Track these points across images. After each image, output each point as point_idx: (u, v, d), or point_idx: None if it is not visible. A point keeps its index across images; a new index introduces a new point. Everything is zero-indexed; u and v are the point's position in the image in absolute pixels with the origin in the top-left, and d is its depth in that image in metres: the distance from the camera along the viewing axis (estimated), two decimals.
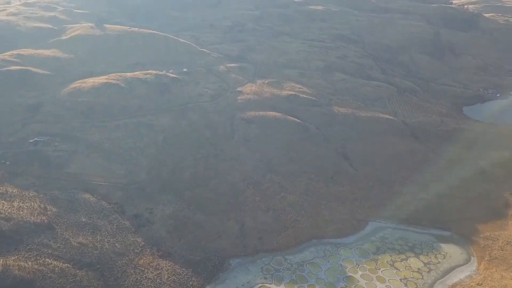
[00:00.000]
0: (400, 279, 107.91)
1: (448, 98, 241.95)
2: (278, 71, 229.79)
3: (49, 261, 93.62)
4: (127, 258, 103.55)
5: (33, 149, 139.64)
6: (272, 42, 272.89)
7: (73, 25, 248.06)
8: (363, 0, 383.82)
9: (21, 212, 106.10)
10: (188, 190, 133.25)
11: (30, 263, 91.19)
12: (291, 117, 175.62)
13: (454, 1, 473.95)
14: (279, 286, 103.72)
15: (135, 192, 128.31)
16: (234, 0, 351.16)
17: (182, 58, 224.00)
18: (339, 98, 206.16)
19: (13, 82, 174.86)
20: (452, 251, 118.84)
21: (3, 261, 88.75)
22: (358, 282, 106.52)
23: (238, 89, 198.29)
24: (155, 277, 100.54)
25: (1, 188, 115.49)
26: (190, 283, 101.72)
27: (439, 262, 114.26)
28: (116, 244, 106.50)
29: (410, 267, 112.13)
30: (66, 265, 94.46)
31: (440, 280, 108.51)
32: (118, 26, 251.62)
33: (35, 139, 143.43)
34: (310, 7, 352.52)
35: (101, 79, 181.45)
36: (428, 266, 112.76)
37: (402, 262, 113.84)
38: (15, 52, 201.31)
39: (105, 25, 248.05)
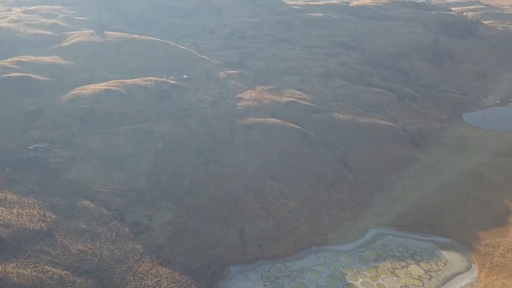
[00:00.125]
0: (401, 287, 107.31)
1: (448, 105, 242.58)
2: (278, 77, 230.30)
3: (48, 268, 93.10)
4: (126, 265, 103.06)
5: (33, 155, 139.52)
6: (272, 49, 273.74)
7: (73, 32, 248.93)
8: (362, 7, 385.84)
9: (20, 219, 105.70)
10: (188, 197, 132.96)
11: (29, 270, 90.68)
12: (291, 124, 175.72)
13: (453, 9, 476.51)
14: None
15: (134, 199, 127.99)
16: (234, 7, 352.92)
17: (182, 64, 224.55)
18: (339, 105, 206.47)
19: (13, 88, 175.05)
20: (453, 258, 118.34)
21: (1, 268, 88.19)
22: None
23: (238, 95, 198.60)
24: (155, 284, 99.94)
25: (1, 194, 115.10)
26: None
27: (439, 270, 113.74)
28: (116, 251, 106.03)
29: (411, 274, 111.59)
30: (65, 272, 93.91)
31: (441, 287, 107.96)
32: (118, 33, 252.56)
33: (35, 145, 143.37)
34: (310, 14, 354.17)
35: (101, 86, 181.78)
36: (429, 273, 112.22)
37: (403, 269, 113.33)
38: (15, 59, 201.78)
39: (105, 32, 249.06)
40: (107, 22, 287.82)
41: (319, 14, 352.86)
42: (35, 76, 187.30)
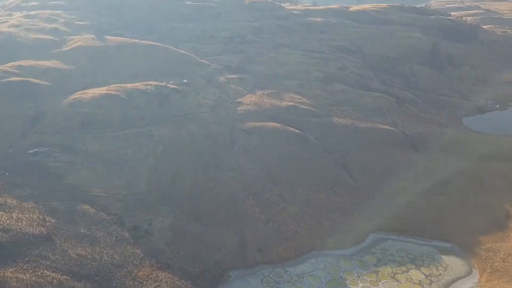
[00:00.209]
0: None
1: (448, 109, 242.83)
2: (278, 82, 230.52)
3: (47, 273, 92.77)
4: (126, 270, 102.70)
5: (33, 160, 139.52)
6: (271, 54, 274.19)
7: (74, 37, 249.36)
8: (362, 12, 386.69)
9: (20, 224, 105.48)
10: (188, 201, 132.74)
11: (28, 275, 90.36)
12: (291, 128, 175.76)
13: (452, 13, 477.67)
14: None
15: (134, 203, 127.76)
16: (234, 12, 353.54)
17: (182, 69, 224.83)
18: (339, 109, 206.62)
19: (13, 93, 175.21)
20: (454, 263, 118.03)
21: (1, 273, 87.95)
22: None
23: (238, 100, 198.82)
24: None
25: (0, 199, 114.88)
26: None
27: (440, 274, 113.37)
28: (115, 256, 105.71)
29: (412, 279, 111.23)
30: (64, 277, 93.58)
31: None
32: (119, 37, 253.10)
33: (35, 150, 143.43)
34: (309, 19, 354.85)
35: (101, 90, 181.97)
36: (429, 278, 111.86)
37: (403, 274, 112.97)
38: (16, 63, 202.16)
39: (105, 36, 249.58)
40: (107, 26, 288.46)
41: (319, 19, 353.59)
42: (35, 81, 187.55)
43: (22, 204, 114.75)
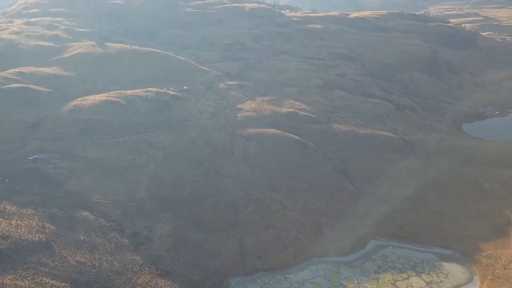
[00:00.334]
0: None
1: (447, 116, 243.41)
2: (278, 89, 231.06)
3: (46, 280, 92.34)
4: (125, 277, 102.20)
5: (33, 166, 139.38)
6: (271, 61, 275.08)
7: (74, 44, 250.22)
8: (361, 19, 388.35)
9: (19, 230, 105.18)
10: (187, 208, 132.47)
11: (27, 282, 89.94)
12: (291, 134, 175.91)
13: (451, 20, 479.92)
14: None
15: (134, 210, 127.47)
16: (234, 19, 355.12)
17: (182, 75, 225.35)
18: (338, 116, 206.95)
19: (14, 99, 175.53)
20: (454, 270, 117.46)
21: (0, 280, 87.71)
22: None
23: (238, 106, 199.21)
24: None
25: (0, 205, 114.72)
26: None
27: (441, 281, 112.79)
28: (115, 263, 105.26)
29: (412, 286, 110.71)
30: (63, 284, 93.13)
31: None
32: (119, 44, 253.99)
33: (35, 156, 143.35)
34: (309, 26, 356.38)
35: (102, 97, 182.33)
36: (430, 285, 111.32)
37: (404, 281, 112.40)
38: (16, 70, 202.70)
39: (106, 43, 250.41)
40: (108, 33, 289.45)
41: (319, 26, 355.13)
42: (35, 87, 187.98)
43: (22, 211, 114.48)
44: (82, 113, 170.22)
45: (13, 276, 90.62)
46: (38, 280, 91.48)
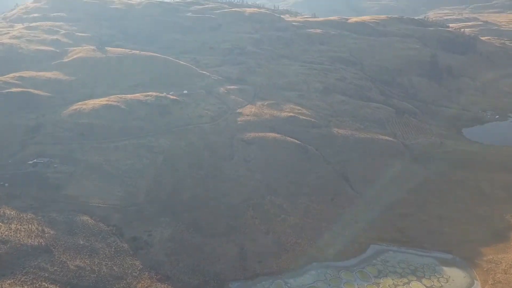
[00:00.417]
0: None
1: (447, 120, 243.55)
2: (278, 93, 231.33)
3: (46, 285, 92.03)
4: (125, 281, 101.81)
5: (32, 170, 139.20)
6: (271, 65, 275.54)
7: (74, 48, 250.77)
8: (361, 24, 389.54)
9: (19, 235, 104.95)
10: (187, 212, 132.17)
11: (26, 287, 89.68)
12: (291, 139, 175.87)
13: (451, 25, 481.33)
14: None
15: (133, 214, 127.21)
16: (234, 23, 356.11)
17: (182, 80, 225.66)
18: (338, 120, 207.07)
19: (14, 104, 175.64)
20: (455, 275, 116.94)
21: None
22: None
23: (238, 110, 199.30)
24: None
25: None
26: None
27: (442, 286, 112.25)
28: (114, 267, 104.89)
29: None
30: None
31: None
32: (119, 48, 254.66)
33: (35, 160, 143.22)
34: (309, 30, 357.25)
35: (102, 101, 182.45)
36: None
37: (405, 286, 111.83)
38: (16, 74, 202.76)
39: (106, 47, 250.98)
40: (108, 38, 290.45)
41: (318, 30, 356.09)
42: (35, 92, 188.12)
43: (21, 215, 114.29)
44: (82, 117, 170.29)
45: (12, 281, 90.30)
46: (37, 285, 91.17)
